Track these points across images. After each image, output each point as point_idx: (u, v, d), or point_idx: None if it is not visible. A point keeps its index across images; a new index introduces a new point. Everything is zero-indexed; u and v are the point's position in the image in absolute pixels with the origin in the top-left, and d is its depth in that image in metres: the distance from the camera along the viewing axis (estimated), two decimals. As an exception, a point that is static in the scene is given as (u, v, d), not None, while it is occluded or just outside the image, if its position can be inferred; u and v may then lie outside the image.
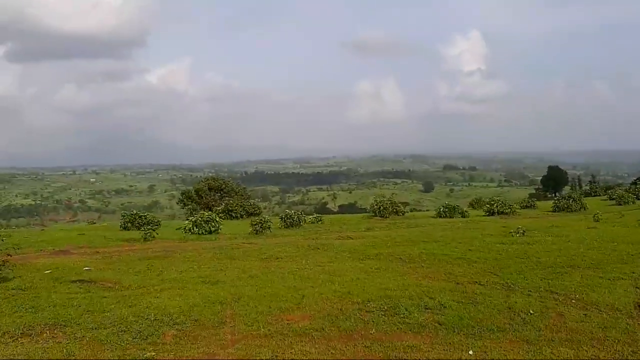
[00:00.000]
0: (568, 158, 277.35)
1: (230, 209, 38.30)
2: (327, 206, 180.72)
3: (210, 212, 24.91)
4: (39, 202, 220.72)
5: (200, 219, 24.58)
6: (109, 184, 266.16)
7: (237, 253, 17.59)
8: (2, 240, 12.92)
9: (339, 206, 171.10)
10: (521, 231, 20.04)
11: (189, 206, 54.64)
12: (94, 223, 61.74)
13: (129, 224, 29.07)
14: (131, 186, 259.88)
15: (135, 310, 10.08)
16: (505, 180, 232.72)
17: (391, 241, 19.94)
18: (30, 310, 10.14)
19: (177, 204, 76.63)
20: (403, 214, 34.68)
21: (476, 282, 12.24)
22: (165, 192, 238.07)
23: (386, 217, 32.91)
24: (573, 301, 10.41)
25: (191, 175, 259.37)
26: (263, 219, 24.33)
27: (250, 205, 40.84)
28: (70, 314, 9.78)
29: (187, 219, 25.44)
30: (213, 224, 24.58)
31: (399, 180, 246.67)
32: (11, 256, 13.24)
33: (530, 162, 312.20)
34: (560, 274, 12.80)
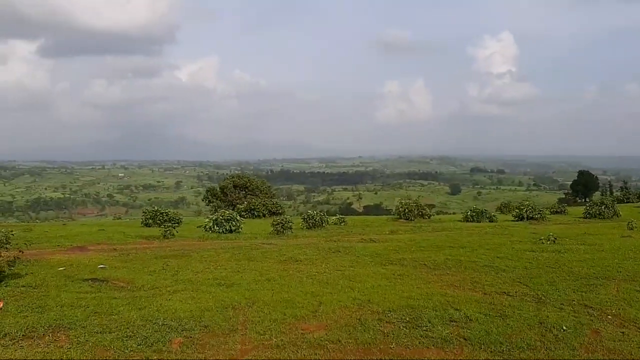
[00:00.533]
0: (598, 163, 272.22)
1: (252, 207, 37.85)
2: (352, 206, 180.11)
3: (231, 210, 24.50)
4: (68, 195, 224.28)
5: (220, 217, 24.19)
6: (137, 179, 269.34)
7: (256, 254, 17.12)
8: (12, 234, 12.56)
9: (364, 207, 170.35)
10: (552, 238, 19.20)
11: (214, 203, 54.57)
12: (119, 218, 62.15)
13: (150, 221, 28.82)
14: (158, 182, 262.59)
15: (144, 313, 9.64)
16: (534, 184, 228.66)
17: (415, 246, 19.30)
18: (36, 310, 9.77)
19: (202, 200, 76.73)
20: (429, 217, 33.89)
21: (504, 293, 11.58)
22: (191, 188, 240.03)
23: (411, 219, 32.17)
24: (609, 317, 9.70)
25: (217, 173, 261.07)
26: (284, 219, 23.83)
27: (273, 204, 40.35)
28: (76, 316, 9.38)
29: (208, 217, 25.08)
30: (234, 222, 24.17)
31: (425, 182, 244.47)
32: (22, 252, 12.96)
33: (560, 166, 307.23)
34: (594, 286, 12.06)
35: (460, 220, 32.88)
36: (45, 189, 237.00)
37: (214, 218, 24.52)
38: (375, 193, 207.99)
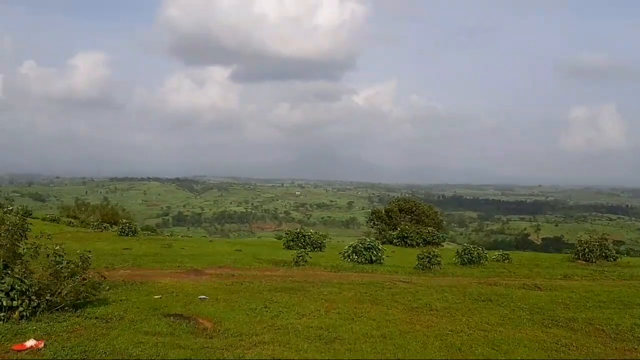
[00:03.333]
0: None
1: (405, 235, 34.82)
2: (529, 238, 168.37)
3: (372, 239, 21.93)
4: (249, 210, 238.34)
5: (360, 245, 21.64)
6: (312, 197, 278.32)
7: (384, 295, 14.25)
8: (90, 255, 11.07)
9: (543, 239, 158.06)
10: None
11: (378, 226, 52.75)
12: (280, 238, 62.43)
13: (292, 243, 27.25)
14: (332, 201, 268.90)
15: (198, 376, 7.36)
16: None
17: (593, 300, 15.12)
18: (76, 356, 7.95)
19: (367, 222, 75.33)
20: (614, 260, 28.23)
21: None
22: (362, 209, 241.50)
23: (592, 261, 26.96)
24: None
25: (388, 195, 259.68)
26: (431, 252, 20.58)
27: (429, 232, 36.81)
28: (113, 371, 7.37)
29: (348, 245, 22.75)
30: (374, 252, 21.47)
31: (614, 216, 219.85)
32: (105, 277, 11.52)
33: None
34: None
35: (656, 266, 26.94)
36: (230, 203, 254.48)
37: (353, 245, 22.07)
38: (556, 225, 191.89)
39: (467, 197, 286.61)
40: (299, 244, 26.78)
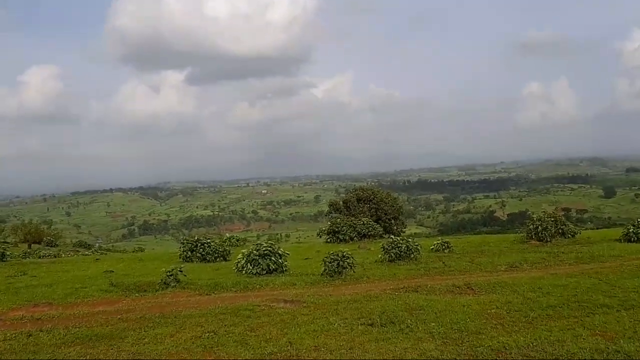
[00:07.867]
0: None
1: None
2: (495, 214, 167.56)
3: (271, 243, 17.37)
4: (216, 212, 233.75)
5: (255, 252, 17.01)
6: (279, 195, 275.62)
7: (237, 333, 9.57)
8: None
9: (508, 215, 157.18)
10: None
11: (337, 218, 49.02)
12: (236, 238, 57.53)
13: (189, 253, 22.58)
14: (299, 197, 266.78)
15: None
16: None
17: (539, 304, 10.89)
18: None
19: (326, 215, 71.64)
20: (573, 236, 24.31)
21: None
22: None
23: (547, 241, 22.99)
24: None
25: (354, 185, 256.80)
26: (340, 254, 16.18)
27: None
28: None
29: (241, 253, 18.10)
30: (273, 259, 16.90)
31: (575, 186, 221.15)
32: None
33: None
34: None
35: (618, 240, 22.95)
36: (197, 207, 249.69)
37: (246, 253, 17.43)
38: (520, 200, 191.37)
39: (432, 181, 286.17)
40: (198, 255, 22.16)
